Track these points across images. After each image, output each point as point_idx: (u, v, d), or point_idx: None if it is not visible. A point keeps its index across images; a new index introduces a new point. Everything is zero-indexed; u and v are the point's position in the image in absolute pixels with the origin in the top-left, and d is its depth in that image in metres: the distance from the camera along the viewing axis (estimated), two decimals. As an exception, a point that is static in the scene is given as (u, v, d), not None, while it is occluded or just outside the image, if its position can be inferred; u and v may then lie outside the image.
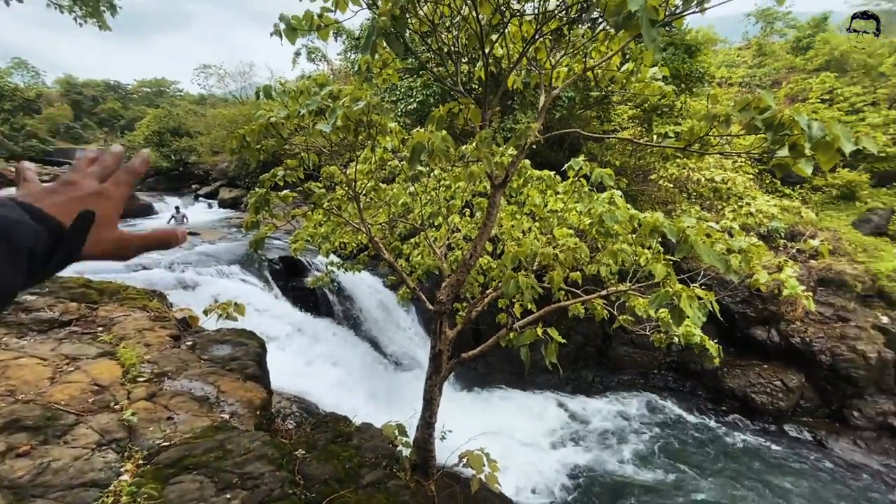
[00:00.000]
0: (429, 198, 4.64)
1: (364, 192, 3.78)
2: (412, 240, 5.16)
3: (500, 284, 3.14)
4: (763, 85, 15.45)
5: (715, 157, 8.71)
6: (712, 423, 8.51)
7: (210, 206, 19.51)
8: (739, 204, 7.64)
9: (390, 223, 5.08)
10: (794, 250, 9.88)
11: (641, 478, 7.02)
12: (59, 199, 0.58)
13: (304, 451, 2.85)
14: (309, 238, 4.82)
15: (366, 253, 5.38)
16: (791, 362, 8.64)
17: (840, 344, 8.23)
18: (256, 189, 2.99)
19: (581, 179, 3.94)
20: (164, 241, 0.67)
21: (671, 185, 8.87)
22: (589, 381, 9.64)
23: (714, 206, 8.46)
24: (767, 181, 11.41)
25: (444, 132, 2.41)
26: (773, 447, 7.86)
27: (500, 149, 3.09)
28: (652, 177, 9.02)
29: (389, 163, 3.68)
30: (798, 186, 11.45)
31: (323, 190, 3.15)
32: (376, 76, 3.18)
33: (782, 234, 9.33)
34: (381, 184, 4.47)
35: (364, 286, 8.92)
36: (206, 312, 3.42)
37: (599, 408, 8.84)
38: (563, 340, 2.26)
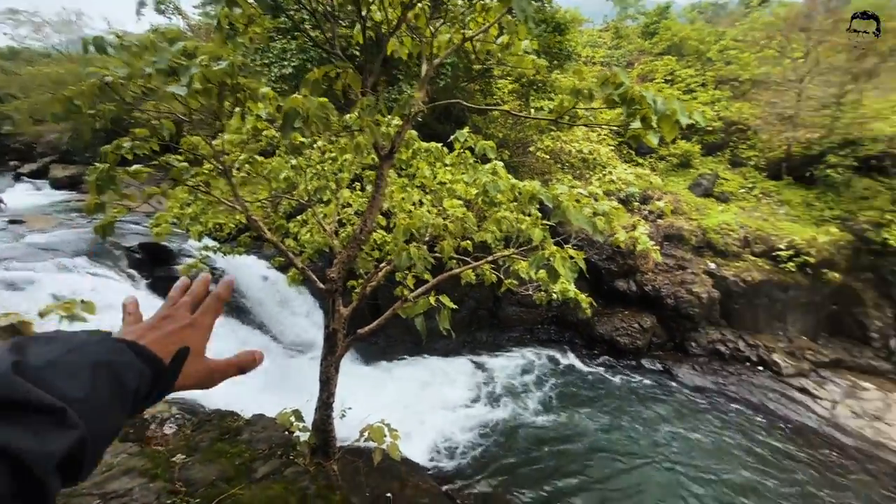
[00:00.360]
0: (315, 171, 4.37)
1: (237, 166, 3.42)
2: (299, 217, 4.86)
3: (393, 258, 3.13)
4: (620, 65, 17.33)
5: (583, 130, 9.64)
6: (590, 367, 9.75)
7: (38, 187, 15.98)
8: (604, 172, 8.66)
9: (273, 200, 4.70)
10: (646, 211, 11.50)
11: (542, 422, 7.83)
12: (159, 335, 0.63)
13: (184, 456, 2.59)
14: (175, 220, 4.24)
15: (247, 234, 4.93)
16: (645, 307, 10.21)
17: (680, 288, 9.93)
18: (97, 164, 2.50)
19: (466, 151, 4.05)
20: (244, 366, 0.72)
21: (547, 157, 9.61)
22: (483, 341, 10.30)
23: (583, 174, 9.43)
24: (625, 152, 13.00)
25: (325, 99, 2.26)
26: (637, 379, 9.32)
27: (386, 119, 3.01)
28: (531, 149, 9.68)
29: (265, 132, 3.36)
30: (648, 156, 13.26)
31: (185, 164, 2.75)
32: (241, 34, 2.83)
33: (637, 198, 10.79)
34: (257, 156, 4.08)
35: (249, 271, 8.24)
36: (41, 315, 2.84)
37: (496, 365, 9.54)
38: (456, 306, 2.35)
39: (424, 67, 2.45)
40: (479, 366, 9.52)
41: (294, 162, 4.11)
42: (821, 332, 10.21)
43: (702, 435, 7.68)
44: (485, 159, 3.64)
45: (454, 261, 3.81)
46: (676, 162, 12.97)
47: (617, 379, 9.30)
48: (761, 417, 8.22)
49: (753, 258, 10.17)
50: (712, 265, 10.16)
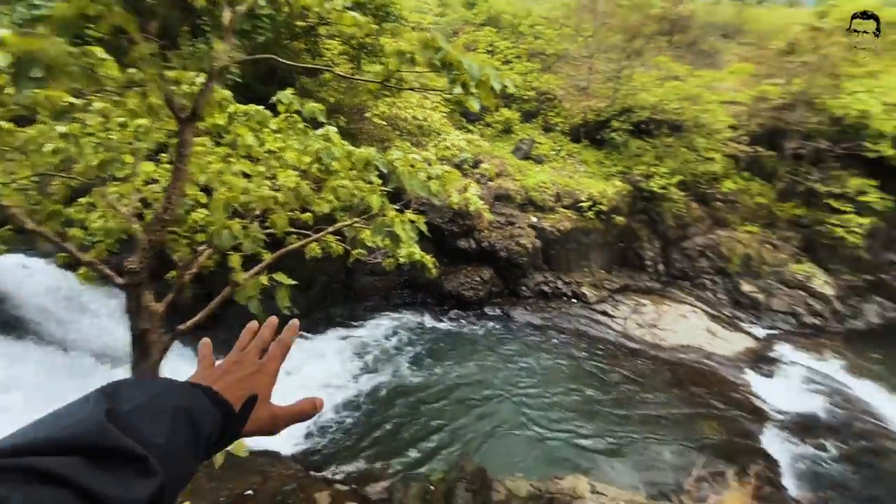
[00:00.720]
0: (98, 141, 3.50)
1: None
2: (83, 199, 3.89)
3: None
4: (446, 34, 17.93)
5: (416, 97, 9.81)
6: (444, 322, 10.45)
7: None
8: (439, 139, 9.06)
9: (41, 180, 3.65)
10: (478, 175, 12.46)
11: (410, 384, 8.14)
12: (230, 381, 0.66)
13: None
14: None
15: (7, 227, 3.76)
16: (484, 261, 11.28)
17: (511, 241, 11.20)
18: None
19: (295, 115, 3.73)
20: (307, 413, 0.73)
21: (385, 123, 9.55)
22: (342, 315, 10.12)
23: (420, 141, 9.69)
24: (456, 119, 13.75)
25: (93, 48, 1.79)
26: (483, 326, 10.35)
27: (189, 76, 2.55)
28: (367, 114, 9.48)
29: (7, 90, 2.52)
30: (477, 123, 14.28)
31: None
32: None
33: (470, 163, 11.60)
34: (3, 123, 3.07)
35: (22, 274, 6.43)
36: None
37: (359, 336, 9.52)
38: (293, 282, 2.20)
39: (227, 14, 2.12)
40: (343, 338, 9.40)
41: (64, 129, 3.22)
42: (613, 265, 12.76)
43: (539, 364, 9.03)
44: (317, 124, 3.42)
45: (295, 236, 3.57)
46: (500, 128, 14.27)
47: (467, 329, 10.21)
48: (579, 339, 10.03)
49: (564, 210, 12.01)
50: (534, 219, 11.68)
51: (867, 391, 8.75)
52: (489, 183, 12.25)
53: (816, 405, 8.11)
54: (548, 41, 16.38)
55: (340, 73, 2.45)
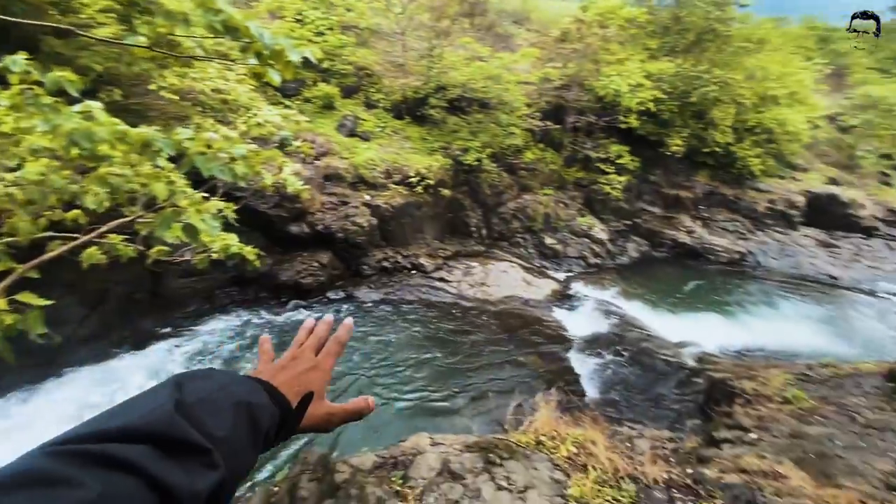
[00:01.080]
0: None
1: None
2: None
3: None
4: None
5: (216, 67, 8.58)
6: (283, 316, 9.77)
7: None
8: (249, 115, 8.12)
9: None
10: (303, 154, 11.78)
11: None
12: (288, 377, 0.69)
13: None
14: None
15: None
16: (320, 245, 10.87)
17: (346, 222, 11.01)
18: None
19: (36, 88, 2.90)
20: (361, 412, 0.77)
21: (177, 97, 8.18)
22: (151, 330, 8.59)
23: (227, 117, 8.60)
24: (270, 93, 12.59)
25: None
26: (328, 311, 10.00)
27: None
28: (152, 87, 7.96)
29: None
30: (294, 98, 13.34)
31: None
32: None
33: (290, 141, 10.85)
34: None
35: None
36: None
37: (179, 351, 8.21)
38: (48, 302, 1.77)
39: None
40: (168, 352, 8.02)
41: None
42: (445, 234, 13.72)
43: (389, 337, 9.25)
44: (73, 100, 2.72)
45: (58, 241, 2.84)
46: (321, 104, 13.63)
47: (311, 317, 9.79)
48: (422, 307, 10.60)
49: (395, 186, 12.29)
50: (367, 197, 11.68)
51: (636, 309, 11.50)
52: (316, 162, 11.71)
53: (603, 325, 10.31)
54: (360, 14, 16.07)
55: (92, 36, 1.96)
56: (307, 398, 0.68)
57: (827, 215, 16.92)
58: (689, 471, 3.15)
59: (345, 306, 10.35)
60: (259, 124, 6.63)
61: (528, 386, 7.57)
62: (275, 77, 2.43)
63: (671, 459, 4.09)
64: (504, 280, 11.91)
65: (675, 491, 2.82)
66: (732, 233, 16.15)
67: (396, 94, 14.79)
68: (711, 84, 14.69)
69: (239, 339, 8.78)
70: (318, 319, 0.85)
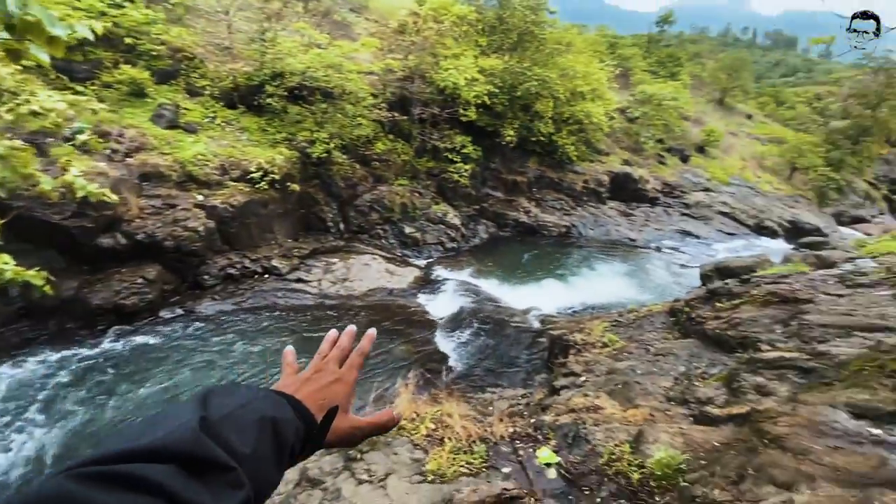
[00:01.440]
0: None
1: None
2: None
3: None
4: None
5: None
6: (101, 346, 8.09)
7: None
8: (17, 101, 6.32)
9: None
10: (111, 150, 9.84)
11: (68, 430, 5.97)
12: (312, 390, 0.67)
13: None
14: None
15: None
16: (144, 257, 9.27)
17: (176, 227, 9.58)
18: None
19: None
20: (386, 426, 0.74)
21: None
22: None
23: (-17, 106, 6.59)
24: (53, 77, 10.09)
25: None
26: (161, 333, 8.65)
27: None
28: None
29: None
30: (90, 83, 10.95)
31: None
32: None
33: (88, 134, 8.91)
34: None
35: None
36: None
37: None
38: None
39: None
40: None
41: None
42: (299, 232, 12.96)
43: (246, 348, 8.40)
44: None
45: None
46: (127, 90, 11.47)
47: (140, 343, 8.32)
48: (280, 312, 9.88)
49: (234, 183, 11.11)
50: (200, 197, 10.32)
51: (489, 285, 12.57)
52: (128, 160, 9.88)
53: (463, 303, 11.04)
54: (169, -13, 13.83)
55: None
56: (332, 412, 0.67)
57: (624, 190, 20.86)
58: (532, 420, 3.63)
59: (184, 324, 9.04)
60: (34, 113, 5.33)
61: (393, 374, 7.73)
62: (42, 56, 2.00)
63: (525, 413, 4.65)
64: (367, 273, 11.83)
65: (518, 442, 3.23)
66: (559, 210, 18.75)
67: (226, 81, 13.26)
68: (533, 80, 16.62)
69: (36, 387, 7.01)
70: (341, 331, 0.82)
